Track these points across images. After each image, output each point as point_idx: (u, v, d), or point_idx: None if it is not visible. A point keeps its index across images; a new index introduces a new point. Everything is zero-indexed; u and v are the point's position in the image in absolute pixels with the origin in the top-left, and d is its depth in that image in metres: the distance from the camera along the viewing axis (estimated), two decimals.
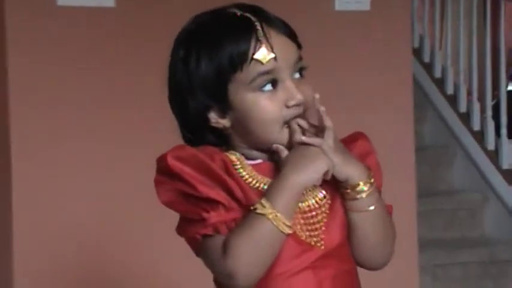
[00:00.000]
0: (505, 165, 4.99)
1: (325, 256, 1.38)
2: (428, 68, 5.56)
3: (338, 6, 3.32)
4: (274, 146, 1.38)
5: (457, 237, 4.84)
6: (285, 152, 1.37)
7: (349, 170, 1.37)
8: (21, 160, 3.10)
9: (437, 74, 5.52)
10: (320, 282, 1.37)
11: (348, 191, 1.38)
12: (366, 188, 1.37)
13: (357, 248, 1.43)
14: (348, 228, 1.41)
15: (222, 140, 1.42)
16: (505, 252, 4.72)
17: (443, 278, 4.48)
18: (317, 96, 1.36)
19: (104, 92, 3.19)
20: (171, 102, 1.45)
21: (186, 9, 3.02)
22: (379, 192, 1.44)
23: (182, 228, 1.38)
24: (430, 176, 4.79)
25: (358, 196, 1.38)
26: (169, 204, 1.36)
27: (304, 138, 1.35)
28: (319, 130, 1.37)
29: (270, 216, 1.30)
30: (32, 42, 3.12)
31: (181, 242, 1.42)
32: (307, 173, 1.34)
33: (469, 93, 5.29)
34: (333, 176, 1.36)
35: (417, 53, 5.46)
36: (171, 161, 1.33)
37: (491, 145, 5.08)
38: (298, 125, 1.36)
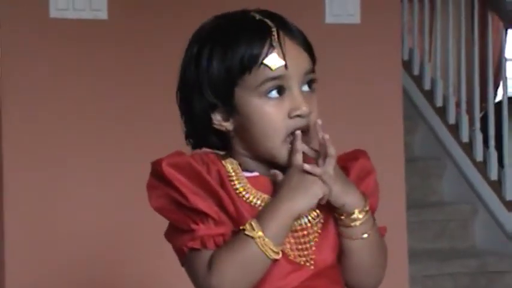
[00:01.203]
0: (494, 177, 5.01)
1: (315, 276, 1.37)
2: (418, 80, 5.58)
3: (328, 19, 3.36)
4: (272, 171, 1.37)
5: (447, 248, 4.85)
6: (280, 178, 1.37)
7: (346, 198, 1.36)
8: (13, 166, 3.11)
9: (427, 86, 5.54)
10: None
11: (343, 217, 1.38)
12: (360, 216, 1.37)
13: (348, 272, 1.42)
14: (340, 253, 1.40)
15: (224, 143, 1.42)
16: (494, 263, 4.73)
17: None
18: (319, 122, 1.35)
19: (96, 101, 3.19)
20: (178, 99, 1.44)
21: (177, 22, 3.07)
22: (374, 211, 1.44)
23: (170, 236, 1.38)
24: (420, 187, 4.81)
25: (352, 224, 1.37)
26: (159, 210, 1.36)
27: (306, 167, 1.34)
28: (319, 155, 1.36)
29: (258, 240, 1.30)
30: (24, 54, 3.12)
31: None
32: (302, 200, 1.33)
33: (458, 105, 5.31)
34: (329, 200, 1.36)
35: (407, 65, 5.50)
36: (166, 168, 1.32)
37: (479, 157, 5.09)
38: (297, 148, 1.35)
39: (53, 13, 3.11)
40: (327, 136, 1.34)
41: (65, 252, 3.13)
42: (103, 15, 3.17)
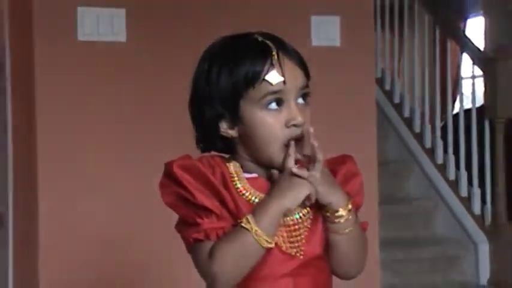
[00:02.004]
0: (452, 177, 5.01)
1: (304, 265, 1.35)
2: (389, 94, 5.60)
3: (314, 42, 3.37)
4: (272, 171, 1.36)
5: (412, 237, 4.87)
6: (276, 175, 1.35)
7: (331, 197, 1.35)
8: (46, 170, 3.08)
9: (396, 100, 5.56)
10: None
11: (329, 214, 1.35)
12: (344, 214, 1.35)
13: (334, 262, 1.40)
14: (327, 246, 1.38)
15: (229, 148, 1.40)
16: (452, 249, 4.78)
17: (400, 272, 4.49)
18: (311, 130, 1.33)
19: (116, 109, 3.18)
20: (190, 108, 1.42)
21: (187, 44, 3.04)
22: (358, 208, 1.43)
23: (179, 227, 1.36)
24: (390, 186, 4.79)
25: (337, 220, 1.35)
26: (170, 205, 1.34)
27: (294, 170, 1.32)
28: (310, 160, 1.34)
29: (253, 232, 1.28)
30: (57, 71, 3.10)
31: None
32: (289, 199, 1.32)
33: (422, 116, 5.31)
34: (317, 200, 1.34)
35: (379, 82, 5.48)
36: (176, 169, 1.31)
37: (440, 160, 5.09)
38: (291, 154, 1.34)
39: (81, 37, 3.10)
40: (316, 143, 1.33)
41: (91, 232, 3.12)
42: (122, 38, 3.15)
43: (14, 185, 3.81)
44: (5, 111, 3.91)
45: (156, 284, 3.16)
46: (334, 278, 1.47)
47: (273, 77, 1.32)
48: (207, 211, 1.31)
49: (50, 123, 3.08)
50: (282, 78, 1.33)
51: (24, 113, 3.42)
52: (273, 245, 1.31)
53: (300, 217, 1.36)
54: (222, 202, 1.32)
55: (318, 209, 1.36)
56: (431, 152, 5.17)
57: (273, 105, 1.34)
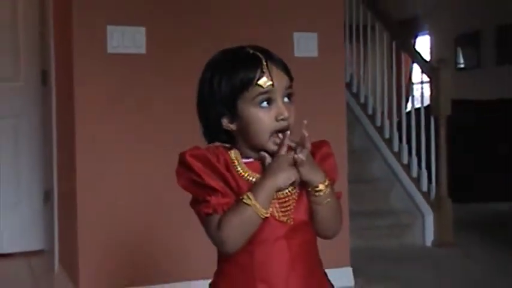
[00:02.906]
0: (405, 162, 5.02)
1: (293, 229, 1.35)
2: (356, 96, 5.58)
3: (296, 53, 3.37)
4: (261, 153, 1.36)
5: (374, 210, 4.86)
6: (267, 159, 1.35)
7: (312, 176, 1.35)
8: (84, 153, 3.07)
9: (362, 100, 5.55)
10: (290, 247, 1.34)
11: (310, 189, 1.35)
12: (323, 188, 1.35)
13: (317, 226, 1.39)
14: (311, 214, 1.38)
15: (230, 139, 1.39)
16: (404, 219, 4.78)
17: (365, 237, 4.49)
18: (305, 122, 1.33)
19: (137, 107, 3.17)
20: (197, 109, 1.41)
21: (194, 55, 3.05)
22: (334, 182, 1.42)
23: (193, 204, 1.35)
24: (357, 169, 4.79)
25: (317, 194, 1.35)
26: (184, 188, 1.33)
27: (288, 156, 1.33)
28: (297, 145, 1.34)
29: (252, 206, 1.28)
30: (90, 77, 3.09)
31: None
32: (281, 179, 1.32)
33: (382, 113, 5.31)
34: (301, 178, 1.35)
35: (348, 86, 5.48)
36: (188, 158, 1.31)
37: (396, 148, 5.10)
38: (280, 143, 1.34)
39: (109, 50, 3.10)
40: (307, 134, 1.33)
41: (118, 203, 3.12)
42: (142, 50, 3.14)
43: (58, 169, 3.81)
44: (50, 109, 3.91)
45: (173, 241, 3.18)
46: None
47: (264, 81, 1.32)
48: (214, 190, 1.30)
49: (85, 118, 3.08)
50: (271, 82, 1.32)
51: (65, 110, 3.42)
52: (268, 215, 1.31)
53: (289, 192, 1.35)
54: (226, 182, 1.32)
55: (303, 185, 1.36)
56: (389, 142, 5.17)
57: (264, 104, 1.33)
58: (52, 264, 3.88)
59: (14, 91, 4.40)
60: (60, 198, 3.71)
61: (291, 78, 1.38)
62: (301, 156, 1.31)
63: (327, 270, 1.45)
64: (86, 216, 3.06)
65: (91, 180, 3.07)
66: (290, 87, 1.37)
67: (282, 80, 1.35)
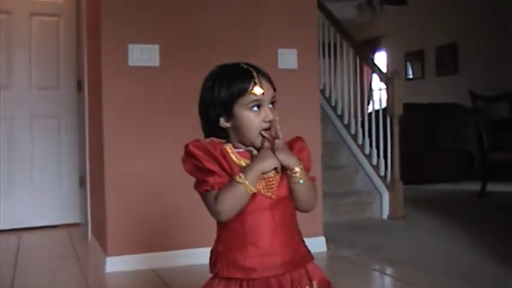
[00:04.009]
0: (367, 152, 4.96)
1: (276, 203, 1.32)
2: (328, 99, 5.51)
3: (280, 66, 3.29)
4: (249, 148, 1.34)
5: (342, 191, 4.81)
6: (254, 152, 1.34)
7: (289, 161, 1.33)
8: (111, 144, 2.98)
9: (333, 103, 5.47)
10: (273, 217, 1.31)
11: (289, 172, 1.34)
12: (298, 170, 1.33)
13: (297, 203, 1.37)
14: (291, 192, 1.36)
15: (225, 135, 1.37)
16: (365, 198, 4.72)
17: (336, 213, 4.45)
18: (277, 118, 1.33)
19: (152, 109, 3.11)
20: (199, 110, 1.38)
21: (197, 67, 2.97)
22: (308, 170, 1.40)
23: (196, 185, 1.33)
24: (329, 158, 4.73)
25: (294, 175, 1.34)
26: (188, 172, 1.32)
27: (268, 146, 1.33)
28: (274, 137, 1.32)
29: (243, 183, 1.28)
30: (114, 86, 3.03)
31: None
32: (266, 164, 1.31)
33: (349, 113, 5.25)
34: (282, 164, 1.33)
35: (322, 91, 5.41)
36: (191, 148, 1.30)
37: (360, 141, 5.04)
38: (266, 137, 1.33)
39: (130, 63, 3.04)
40: (279, 127, 1.32)
41: (139, 185, 3.04)
42: (156, 63, 3.08)
43: (90, 159, 3.78)
44: (84, 111, 3.89)
45: (183, 210, 3.11)
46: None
47: (256, 90, 1.31)
48: (212, 172, 1.29)
49: (111, 118, 3.02)
50: (262, 91, 1.31)
51: (95, 112, 3.37)
52: (255, 191, 1.30)
53: (273, 175, 1.33)
54: (221, 166, 1.30)
55: (283, 169, 1.34)
56: (354, 136, 5.10)
57: (255, 108, 1.32)
58: (86, 234, 3.92)
59: (56, 97, 4.45)
60: (92, 182, 3.68)
61: (274, 89, 1.37)
62: (277, 142, 1.31)
63: (305, 239, 1.42)
64: (112, 197, 3.01)
65: (116, 167, 3.02)
66: (274, 96, 1.37)
67: (269, 90, 1.34)
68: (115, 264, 2.96)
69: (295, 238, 1.37)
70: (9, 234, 4.10)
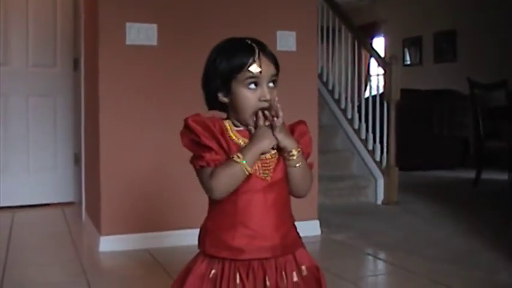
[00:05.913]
0: (363, 137, 4.95)
1: (270, 185, 1.30)
2: (326, 84, 5.48)
3: (278, 48, 3.25)
4: (250, 128, 1.31)
5: (338, 175, 4.80)
6: (253, 130, 1.30)
7: (286, 142, 1.30)
8: (107, 127, 2.97)
9: (330, 87, 5.44)
10: (266, 199, 1.29)
11: (285, 155, 1.31)
12: (295, 153, 1.30)
13: (290, 186, 1.34)
14: (286, 176, 1.33)
15: (224, 109, 1.34)
16: (361, 182, 4.71)
17: (330, 196, 4.45)
18: (276, 98, 1.29)
19: (150, 86, 3.08)
20: (202, 82, 1.35)
21: (196, 46, 2.96)
22: (307, 156, 1.37)
23: (192, 160, 1.30)
24: (325, 141, 4.71)
25: (291, 158, 1.31)
26: (186, 146, 1.30)
27: (265, 125, 1.30)
28: (274, 116, 1.29)
29: (240, 163, 1.25)
30: (112, 65, 3.00)
31: None
32: (264, 143, 1.28)
33: (346, 98, 5.22)
34: (278, 145, 1.30)
35: (320, 76, 5.37)
36: (190, 122, 1.28)
37: (356, 126, 5.03)
38: (263, 114, 1.29)
39: (128, 42, 3.01)
40: (279, 105, 1.28)
41: (133, 164, 3.03)
42: (154, 42, 3.06)
43: (85, 137, 3.76)
44: (80, 89, 3.87)
45: (178, 190, 3.10)
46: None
47: (254, 67, 1.27)
48: (209, 148, 1.26)
49: (107, 96, 3.00)
50: (259, 69, 1.28)
51: (92, 90, 3.35)
52: (251, 172, 1.27)
53: (270, 156, 1.31)
54: (219, 144, 1.27)
55: (280, 151, 1.32)
56: (351, 121, 5.09)
57: (252, 86, 1.28)
58: (80, 213, 3.91)
59: (52, 75, 4.41)
60: (87, 161, 3.68)
61: (277, 68, 1.33)
62: (276, 121, 1.28)
63: (299, 223, 1.39)
64: (107, 176, 3.00)
65: (111, 146, 3.00)
66: (275, 75, 1.33)
67: (269, 69, 1.30)
68: (109, 244, 2.96)
69: (286, 223, 1.34)
70: (3, 212, 4.09)
